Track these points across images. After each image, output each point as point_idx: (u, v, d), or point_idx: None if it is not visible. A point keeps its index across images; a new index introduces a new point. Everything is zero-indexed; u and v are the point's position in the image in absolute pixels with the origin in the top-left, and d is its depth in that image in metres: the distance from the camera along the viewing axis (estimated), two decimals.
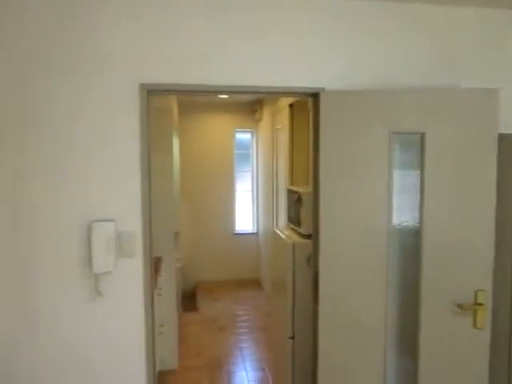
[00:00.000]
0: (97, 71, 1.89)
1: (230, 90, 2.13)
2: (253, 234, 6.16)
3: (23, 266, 1.88)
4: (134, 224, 1.98)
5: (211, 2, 1.96)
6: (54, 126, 1.88)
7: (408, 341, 2.16)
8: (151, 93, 2.02)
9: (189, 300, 5.11)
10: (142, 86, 1.95)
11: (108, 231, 1.92)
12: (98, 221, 1.92)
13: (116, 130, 1.94)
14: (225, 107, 5.83)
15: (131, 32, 1.91)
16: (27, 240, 1.88)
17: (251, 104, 5.82)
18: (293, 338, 2.70)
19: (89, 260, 1.91)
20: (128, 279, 1.99)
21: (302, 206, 2.75)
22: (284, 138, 4.26)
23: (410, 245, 2.10)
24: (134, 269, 1.99)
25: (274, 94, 2.44)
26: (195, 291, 5.52)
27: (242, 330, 4.34)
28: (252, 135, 6.20)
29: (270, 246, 5.00)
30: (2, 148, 1.85)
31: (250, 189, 6.29)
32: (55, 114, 1.88)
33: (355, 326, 2.13)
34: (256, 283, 5.90)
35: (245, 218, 6.25)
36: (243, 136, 6.20)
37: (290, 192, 3.15)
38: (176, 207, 3.96)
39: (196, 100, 5.42)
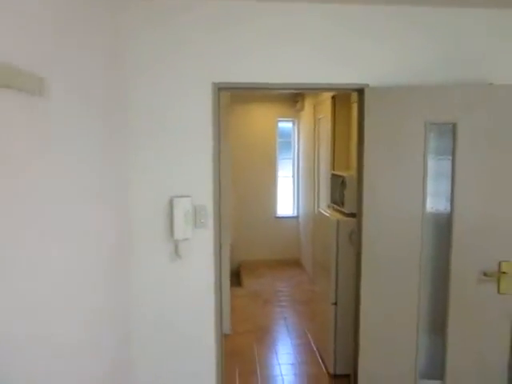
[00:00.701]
0: (182, 73, 2.29)
1: (287, 87, 2.48)
2: (293, 217, 6.53)
3: (128, 234, 2.30)
4: (206, 200, 2.38)
5: (269, 21, 2.31)
6: (153, 117, 2.30)
7: (438, 306, 2.48)
8: (221, 90, 2.40)
9: (234, 277, 5.52)
10: (214, 84, 2.33)
11: (186, 205, 2.33)
12: (178, 197, 2.33)
13: (193, 120, 2.33)
14: (268, 98, 6.18)
15: (206, 41, 2.29)
16: (130, 212, 2.31)
17: (293, 95, 6.13)
18: (335, 304, 3.06)
19: (171, 229, 2.33)
20: (201, 245, 2.39)
21: (345, 188, 3.09)
22: (326, 127, 4.58)
23: (443, 223, 2.41)
24: (207, 237, 2.40)
25: (326, 90, 2.80)
26: (240, 269, 5.95)
27: (284, 303, 4.74)
28: (293, 124, 6.54)
29: (310, 226, 5.36)
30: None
31: (291, 175, 6.64)
32: (155, 107, 2.30)
33: (393, 293, 2.46)
34: (296, 263, 6.29)
35: (286, 202, 6.62)
36: (285, 125, 6.54)
37: (333, 176, 3.49)
38: (229, 190, 4.35)
39: (243, 92, 5.78)
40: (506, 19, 2.40)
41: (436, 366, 2.48)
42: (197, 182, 2.37)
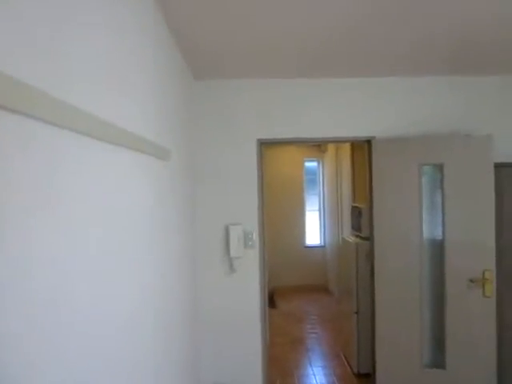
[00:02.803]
0: (234, 133, 3.10)
1: (312, 140, 3.26)
2: (320, 246, 7.20)
3: (193, 252, 3.06)
4: (252, 227, 3.13)
5: (297, 92, 3.12)
6: (213, 167, 3.11)
7: (437, 309, 3.11)
8: (263, 144, 3.20)
9: (268, 300, 6.17)
10: (258, 140, 3.14)
11: (238, 231, 3.09)
12: (232, 224, 3.10)
13: (243, 166, 3.12)
14: (297, 143, 7.00)
15: (252, 109, 3.10)
16: (195, 235, 3.08)
17: None
18: (357, 312, 3.71)
19: (227, 249, 3.08)
20: (250, 262, 3.13)
21: (361, 217, 3.81)
22: (346, 165, 5.33)
23: (437, 243, 3.09)
24: (253, 255, 3.14)
25: (343, 141, 3.56)
26: (273, 293, 6.60)
27: (313, 321, 5.37)
28: (318, 163, 7.31)
29: (335, 254, 6.02)
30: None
31: (318, 208, 7.36)
32: (215, 159, 3.11)
33: (400, 300, 3.10)
34: (324, 288, 6.91)
35: (314, 233, 7.31)
36: (311, 164, 7.33)
37: (353, 208, 4.21)
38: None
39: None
40: (480, 85, 3.14)
41: (438, 357, 3.10)
42: (246, 213, 3.14)
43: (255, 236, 3.14)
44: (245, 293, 3.13)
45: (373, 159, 3.12)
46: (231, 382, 3.14)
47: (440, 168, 3.02)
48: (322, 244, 7.23)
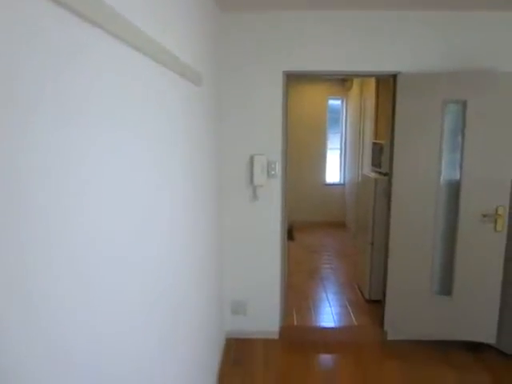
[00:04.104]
0: (260, 65, 3.16)
1: (338, 73, 3.30)
2: (340, 184, 7.34)
3: (220, 182, 3.22)
4: (275, 157, 3.27)
5: (325, 25, 3.12)
6: (239, 99, 3.20)
7: (448, 241, 3.26)
8: (289, 76, 3.26)
9: (287, 233, 6.42)
10: (284, 72, 3.19)
11: (262, 161, 3.23)
12: (257, 154, 3.23)
13: (268, 98, 3.20)
14: (321, 79, 6.94)
15: (278, 42, 3.13)
16: (222, 166, 3.23)
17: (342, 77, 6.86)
18: (372, 244, 3.90)
19: (251, 177, 3.24)
20: (272, 190, 3.30)
21: (382, 154, 3.89)
22: (370, 103, 5.33)
23: (454, 181, 3.18)
24: (276, 185, 3.30)
25: (369, 75, 3.58)
26: (291, 227, 6.84)
27: (330, 254, 5.63)
28: (342, 102, 7.27)
29: (354, 191, 6.16)
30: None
31: (339, 147, 7.42)
32: (241, 90, 3.19)
33: (414, 231, 3.26)
34: (342, 225, 7.14)
35: (334, 171, 7.42)
36: (335, 102, 7.29)
37: (374, 144, 4.29)
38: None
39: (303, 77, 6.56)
40: (510, 21, 3.08)
41: (446, 285, 3.29)
42: (270, 144, 3.26)
43: (278, 166, 3.28)
44: (266, 219, 3.33)
45: (397, 94, 3.16)
46: (249, 301, 3.42)
47: (463, 105, 3.05)
48: (342, 182, 7.36)
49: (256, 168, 3.21)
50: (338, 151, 7.44)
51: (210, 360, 2.66)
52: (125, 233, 1.11)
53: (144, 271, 1.26)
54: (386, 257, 3.41)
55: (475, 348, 3.29)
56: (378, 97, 5.08)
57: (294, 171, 6.89)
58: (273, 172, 3.27)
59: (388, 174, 3.42)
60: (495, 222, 3.08)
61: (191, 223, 2.02)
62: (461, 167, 3.12)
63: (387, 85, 4.86)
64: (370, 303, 3.95)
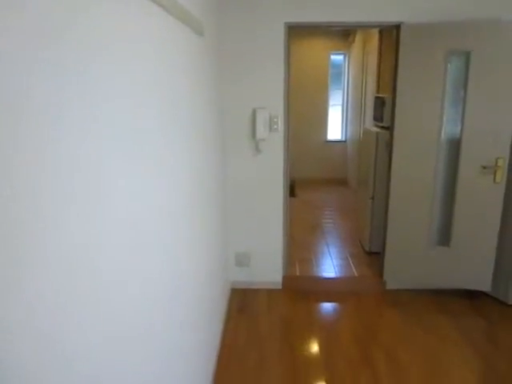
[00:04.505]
0: (261, 16, 3.11)
1: (340, 25, 3.25)
2: (342, 141, 7.34)
3: (223, 135, 3.25)
4: (278, 111, 3.28)
5: None
6: (248, 53, 3.17)
7: (448, 193, 3.32)
8: (290, 28, 3.21)
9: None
10: (285, 23, 3.15)
11: (264, 114, 3.24)
12: (259, 108, 3.24)
13: (270, 51, 3.18)
14: (323, 33, 6.81)
15: None
16: (225, 120, 3.24)
17: (345, 30, 6.72)
18: (373, 198, 3.96)
19: (253, 131, 3.26)
20: (274, 144, 3.33)
21: (384, 107, 3.89)
22: (373, 57, 5.26)
23: (455, 135, 3.20)
24: (278, 138, 3.32)
25: (372, 26, 3.54)
26: (293, 184, 6.90)
27: (331, 209, 5.71)
28: (344, 56, 7.16)
29: (356, 148, 6.18)
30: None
31: (341, 103, 7.36)
32: (249, 44, 3.16)
33: (414, 183, 3.31)
34: (343, 182, 7.19)
35: (335, 128, 7.40)
36: (337, 57, 7.18)
37: (376, 98, 4.27)
38: None
39: (304, 29, 6.42)
40: None
41: (444, 236, 3.37)
42: (272, 98, 3.26)
43: (280, 120, 3.29)
44: (269, 173, 3.37)
45: (400, 46, 3.13)
46: (253, 253, 3.52)
47: (467, 56, 3.03)
48: (344, 139, 7.35)
49: (258, 122, 3.22)
50: (340, 108, 7.38)
51: (216, 308, 2.78)
52: (136, 182, 1.15)
53: (152, 221, 1.32)
54: (387, 210, 3.48)
55: (472, 296, 3.41)
56: (380, 51, 5.01)
57: (295, 128, 6.88)
58: (275, 126, 3.29)
59: (390, 128, 3.43)
60: (494, 173, 3.13)
61: (196, 175, 2.07)
62: (462, 120, 3.13)
63: (390, 38, 4.79)
64: (371, 255, 4.05)
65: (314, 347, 2.81)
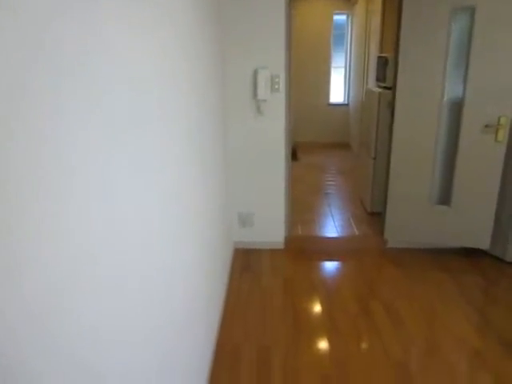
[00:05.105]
0: None
1: None
2: (344, 104, 7.28)
3: (225, 96, 3.23)
4: (279, 71, 3.25)
5: None
6: (249, 12, 3.12)
7: (450, 151, 3.33)
8: None
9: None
10: None
11: (265, 74, 3.22)
12: (260, 68, 3.21)
13: (271, 12, 3.13)
14: None
15: None
16: (226, 79, 3.23)
17: None
18: (375, 158, 3.98)
19: (254, 91, 3.25)
20: (276, 105, 3.32)
21: (387, 66, 3.85)
22: (377, 16, 5.16)
23: (458, 94, 3.18)
24: (279, 99, 3.31)
25: None
26: (295, 148, 6.90)
27: (333, 172, 5.74)
28: (347, 17, 7.01)
29: (359, 111, 6.14)
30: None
31: (343, 66, 7.26)
32: (251, 3, 3.10)
33: (416, 145, 3.32)
34: (345, 145, 7.18)
35: (338, 91, 7.33)
36: (340, 17, 7.04)
37: (379, 58, 4.22)
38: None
39: None
40: None
41: (445, 195, 3.41)
42: (273, 58, 3.23)
43: (281, 81, 3.27)
44: (271, 134, 3.38)
45: (403, 3, 3.07)
46: (256, 213, 3.57)
47: (471, 13, 2.98)
48: (346, 102, 7.29)
49: (260, 82, 3.21)
50: (343, 70, 7.29)
51: (220, 267, 2.85)
52: (141, 143, 1.18)
53: (159, 182, 1.35)
54: (388, 169, 3.50)
55: (470, 255, 3.47)
56: (384, 10, 4.91)
57: (297, 91, 6.81)
58: (276, 86, 3.27)
59: (392, 88, 3.41)
60: (496, 132, 3.12)
61: (197, 135, 2.08)
62: (465, 79, 3.10)
63: None
64: (372, 215, 4.10)
65: (316, 302, 2.89)
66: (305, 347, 2.42)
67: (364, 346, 2.45)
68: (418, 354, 2.37)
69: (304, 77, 6.90)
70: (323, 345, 2.46)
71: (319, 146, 7.11)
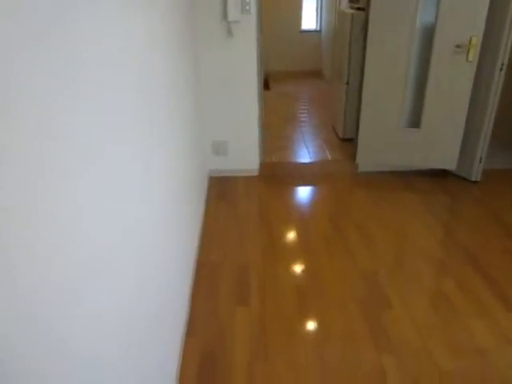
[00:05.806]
0: None
1: None
2: (316, 31, 7.10)
3: (194, 17, 3.10)
4: None
5: None
6: None
7: (421, 73, 3.34)
8: None
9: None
10: None
11: None
12: None
13: None
14: None
15: None
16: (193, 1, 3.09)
17: None
18: (347, 83, 3.96)
19: (225, 13, 3.13)
20: (247, 27, 3.21)
21: None
22: None
23: (431, 17, 3.14)
24: (250, 21, 3.20)
25: None
26: (267, 77, 6.77)
27: (306, 100, 5.71)
28: None
29: (331, 38, 6.01)
30: None
31: None
32: None
33: (388, 70, 3.30)
34: (318, 74, 7.09)
35: (310, 17, 7.11)
36: None
37: None
38: None
39: None
40: None
41: (415, 118, 3.47)
42: None
43: (252, 1, 3.15)
44: (242, 58, 3.30)
45: None
46: (229, 142, 3.57)
47: None
48: (318, 29, 7.10)
49: (230, 2, 3.08)
50: None
51: (196, 193, 2.88)
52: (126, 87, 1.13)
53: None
54: (360, 94, 3.50)
55: (438, 175, 3.61)
56: None
57: (268, 17, 6.58)
58: (247, 7, 3.15)
59: (365, 9, 3.34)
60: (467, 52, 3.14)
61: (169, 61, 2.02)
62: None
63: None
64: (344, 142, 4.16)
65: (291, 225, 2.99)
66: (281, 264, 2.54)
67: (336, 261, 2.58)
68: (386, 265, 2.52)
69: (274, 2, 6.63)
70: (298, 261, 2.57)
71: (291, 74, 7.00)
